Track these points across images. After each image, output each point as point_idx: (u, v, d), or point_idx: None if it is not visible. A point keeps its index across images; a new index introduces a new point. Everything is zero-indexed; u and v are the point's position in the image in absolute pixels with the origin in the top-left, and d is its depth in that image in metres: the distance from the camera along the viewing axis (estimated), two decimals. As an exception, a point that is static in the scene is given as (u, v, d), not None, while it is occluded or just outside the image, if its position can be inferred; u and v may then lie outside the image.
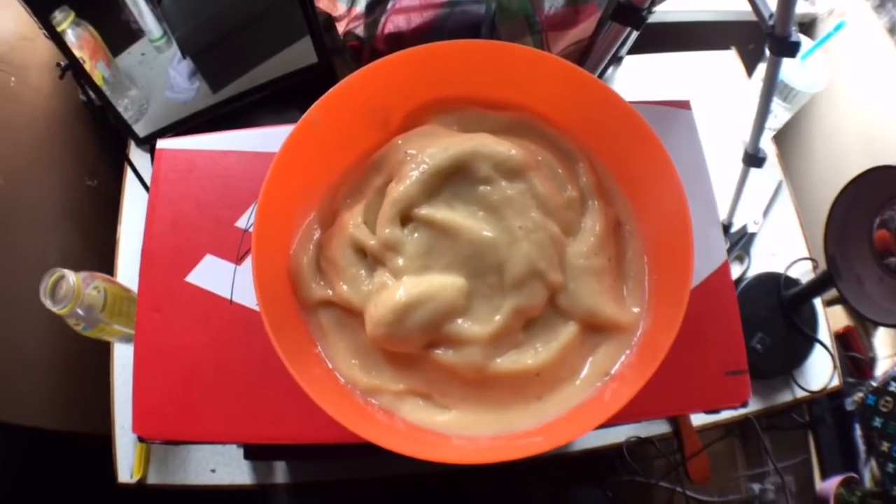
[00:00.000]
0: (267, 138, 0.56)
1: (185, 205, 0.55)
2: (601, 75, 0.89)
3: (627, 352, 0.43)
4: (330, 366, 0.44)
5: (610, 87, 0.45)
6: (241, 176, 0.55)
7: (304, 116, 0.44)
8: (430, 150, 0.45)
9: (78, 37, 0.74)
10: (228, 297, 0.52)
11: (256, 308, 0.52)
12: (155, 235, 0.54)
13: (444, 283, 0.42)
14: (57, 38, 0.72)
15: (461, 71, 0.48)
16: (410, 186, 0.44)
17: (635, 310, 0.45)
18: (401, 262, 0.44)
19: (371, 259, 0.46)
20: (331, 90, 0.44)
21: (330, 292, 0.46)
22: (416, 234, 0.44)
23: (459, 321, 0.43)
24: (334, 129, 0.46)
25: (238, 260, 0.53)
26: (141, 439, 0.52)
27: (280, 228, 0.46)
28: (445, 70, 0.48)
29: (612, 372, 0.43)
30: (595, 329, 0.45)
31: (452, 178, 0.45)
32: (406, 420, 0.42)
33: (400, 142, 0.47)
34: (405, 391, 0.43)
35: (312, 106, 0.44)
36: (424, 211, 0.44)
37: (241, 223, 0.54)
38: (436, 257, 0.44)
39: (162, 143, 0.57)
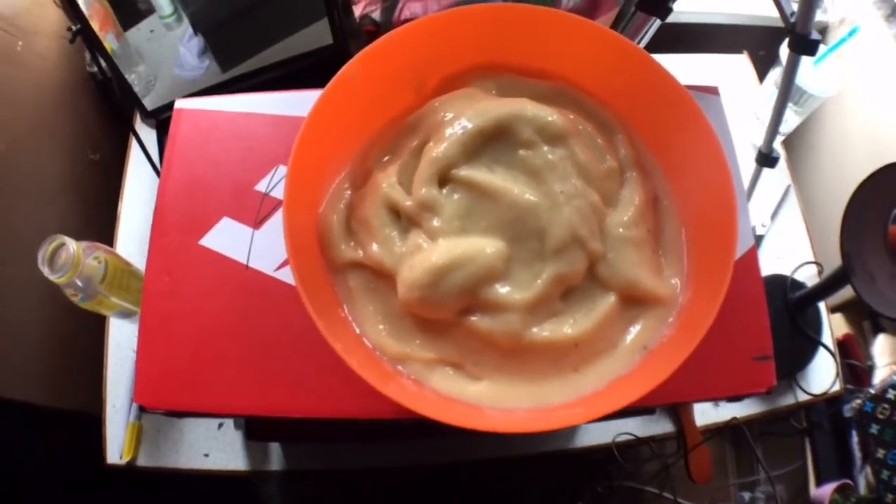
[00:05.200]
0: (292, 102, 0.55)
1: (203, 166, 0.53)
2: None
3: (669, 321, 0.42)
4: (357, 330, 0.42)
5: (650, 55, 0.45)
6: (263, 139, 0.53)
7: (341, 71, 0.43)
8: (469, 112, 0.44)
9: (89, 6, 0.73)
10: (244, 262, 0.50)
11: (273, 274, 0.50)
12: (169, 195, 0.52)
13: (483, 245, 0.41)
14: (71, 1, 0.70)
15: (498, 36, 0.47)
16: (450, 147, 0.43)
17: (674, 281, 0.44)
18: (437, 223, 0.42)
19: (405, 221, 0.44)
20: (369, 46, 0.43)
21: (360, 253, 0.44)
22: (455, 196, 0.43)
23: (497, 286, 0.41)
24: (370, 87, 0.45)
25: (256, 224, 0.52)
26: (143, 409, 0.49)
27: (310, 186, 0.44)
28: (483, 34, 0.47)
29: (651, 346, 0.42)
30: (634, 301, 0.44)
31: (493, 141, 0.44)
32: (436, 390, 0.41)
33: (437, 104, 0.46)
34: (435, 360, 0.42)
35: (350, 61, 0.43)
36: (464, 172, 0.43)
37: (262, 187, 0.52)
38: (475, 220, 0.42)
39: (181, 103, 0.55)
